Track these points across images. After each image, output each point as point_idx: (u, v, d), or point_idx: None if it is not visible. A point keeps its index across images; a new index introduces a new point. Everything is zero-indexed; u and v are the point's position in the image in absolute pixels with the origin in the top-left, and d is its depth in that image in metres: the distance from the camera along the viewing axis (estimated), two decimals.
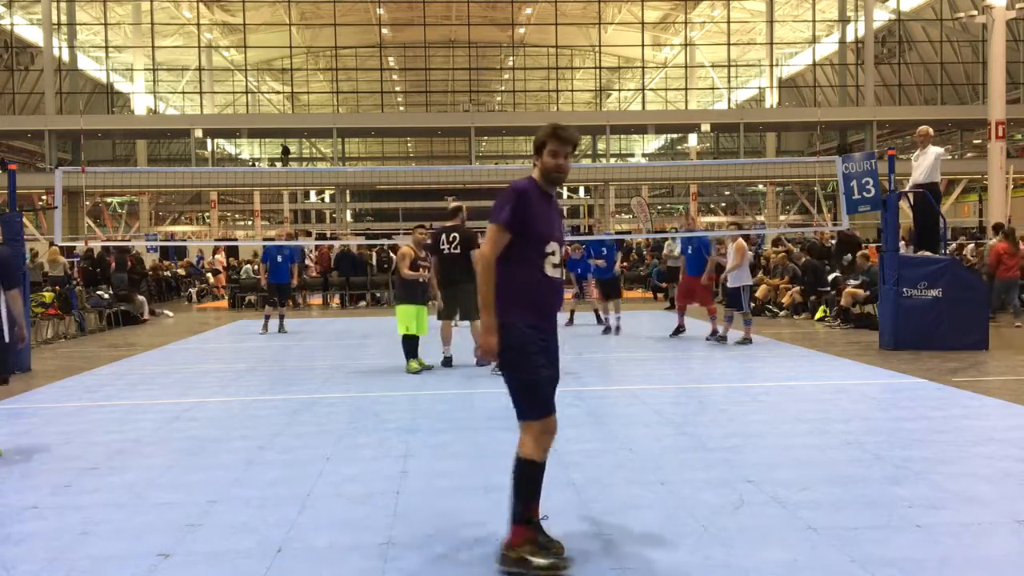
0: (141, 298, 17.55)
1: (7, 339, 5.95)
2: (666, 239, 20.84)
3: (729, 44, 41.26)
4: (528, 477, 3.63)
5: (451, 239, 9.22)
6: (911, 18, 41.17)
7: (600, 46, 42.26)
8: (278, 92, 51.14)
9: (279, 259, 14.04)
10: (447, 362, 9.64)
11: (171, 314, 18.67)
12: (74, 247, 22.91)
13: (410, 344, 9.44)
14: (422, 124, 41.70)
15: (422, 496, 4.68)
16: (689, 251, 12.30)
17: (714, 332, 11.87)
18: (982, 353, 10.15)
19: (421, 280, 9.51)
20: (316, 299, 22.35)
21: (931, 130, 11.32)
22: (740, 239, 11.70)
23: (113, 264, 19.35)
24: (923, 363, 9.36)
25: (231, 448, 5.89)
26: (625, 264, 26.16)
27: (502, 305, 3.67)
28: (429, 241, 9.64)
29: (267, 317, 14.10)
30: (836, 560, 3.67)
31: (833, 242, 20.22)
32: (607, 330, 13.18)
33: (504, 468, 5.14)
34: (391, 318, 16.78)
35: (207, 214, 46.99)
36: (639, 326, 13.45)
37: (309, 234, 32.69)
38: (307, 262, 22.14)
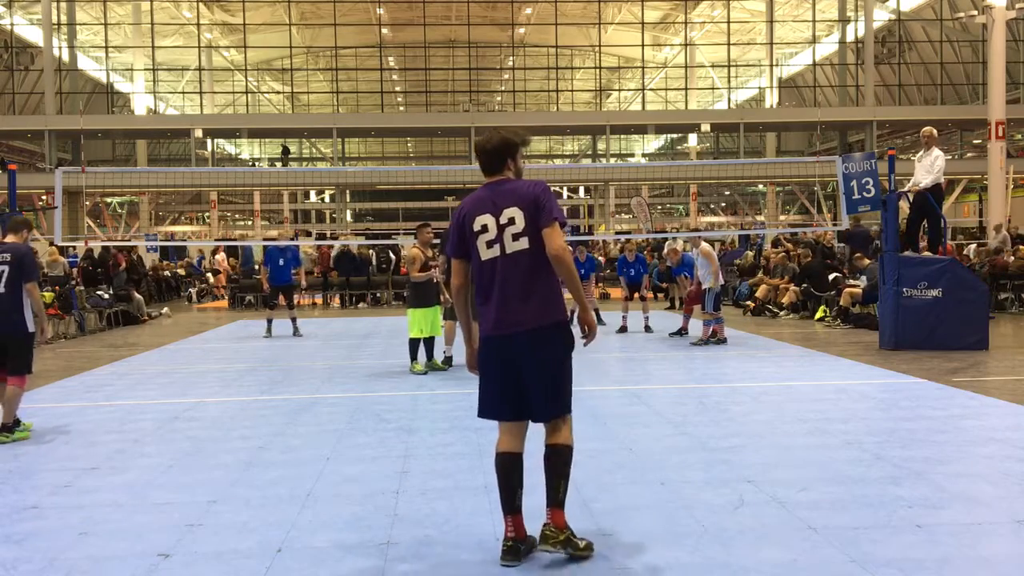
0: (139, 297, 17.54)
1: (31, 328, 6.46)
2: (666, 239, 20.84)
3: (729, 44, 41.25)
4: (571, 461, 3.74)
5: None
6: (911, 18, 41.16)
7: (600, 46, 42.25)
8: (278, 92, 51.14)
9: (281, 262, 13.88)
10: (447, 361, 9.66)
11: (169, 313, 18.64)
12: (73, 247, 22.90)
13: (416, 346, 9.51)
14: (422, 124, 41.68)
15: (422, 496, 4.68)
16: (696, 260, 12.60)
17: (714, 334, 11.91)
18: (982, 353, 10.14)
19: (434, 281, 9.59)
20: (316, 299, 22.34)
21: (935, 131, 11.30)
22: (704, 243, 11.95)
23: (124, 263, 19.26)
24: (923, 363, 9.35)
25: (231, 448, 5.89)
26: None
27: (562, 303, 3.79)
28: (436, 240, 9.68)
29: (269, 320, 13.79)
30: (836, 560, 3.67)
31: (836, 243, 20.19)
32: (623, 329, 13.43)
33: None
34: (391, 318, 16.81)
35: (207, 214, 46.99)
36: (639, 326, 13.46)
37: (309, 234, 32.71)
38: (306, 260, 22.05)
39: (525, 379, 3.70)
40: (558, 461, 3.66)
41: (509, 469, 3.72)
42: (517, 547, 3.69)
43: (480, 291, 3.79)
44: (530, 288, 3.68)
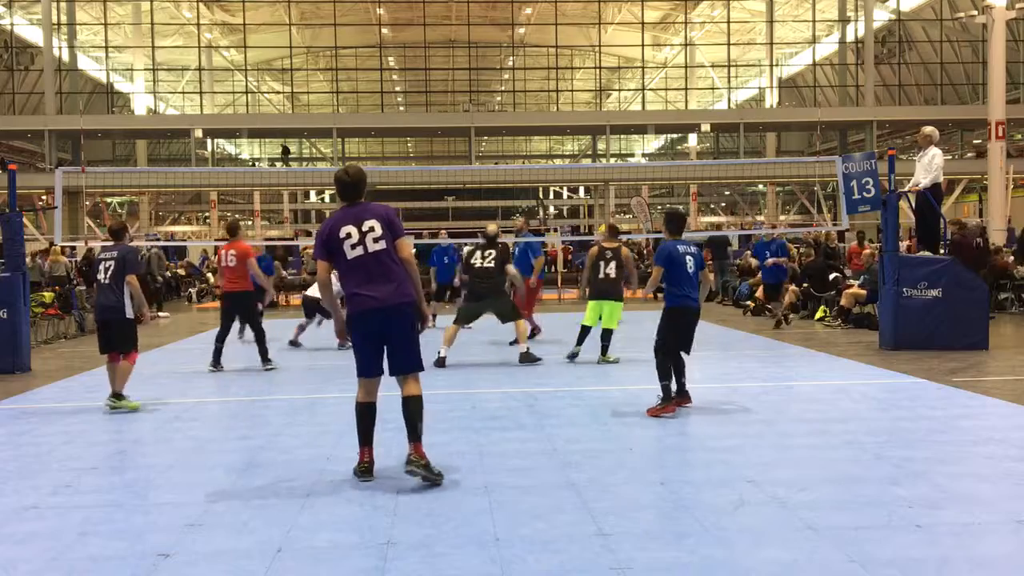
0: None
1: (129, 315, 7.37)
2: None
3: (729, 44, 41.25)
4: (423, 407, 5.03)
5: (486, 255, 10.00)
6: (911, 18, 41.16)
7: (600, 46, 42.26)
8: (278, 92, 51.15)
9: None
10: (440, 362, 9.57)
11: (166, 315, 18.53)
12: (73, 247, 22.89)
13: (582, 333, 10.01)
14: (422, 124, 41.66)
15: (422, 496, 4.68)
16: (516, 253, 12.41)
17: (536, 330, 12.05)
18: (982, 353, 10.13)
19: (607, 275, 9.96)
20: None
21: (931, 131, 11.18)
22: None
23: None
24: (923, 363, 9.35)
25: (231, 448, 5.89)
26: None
27: (409, 288, 4.94)
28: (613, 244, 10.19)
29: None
30: (836, 560, 3.66)
31: (840, 243, 20.15)
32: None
33: (504, 468, 5.16)
34: None
35: (207, 214, 46.98)
36: (639, 326, 13.44)
37: (309, 234, 32.64)
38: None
39: (391, 343, 4.85)
40: (415, 407, 4.90)
41: (370, 414, 5.02)
42: (370, 468, 5.01)
43: (351, 280, 4.85)
44: (388, 275, 4.84)
